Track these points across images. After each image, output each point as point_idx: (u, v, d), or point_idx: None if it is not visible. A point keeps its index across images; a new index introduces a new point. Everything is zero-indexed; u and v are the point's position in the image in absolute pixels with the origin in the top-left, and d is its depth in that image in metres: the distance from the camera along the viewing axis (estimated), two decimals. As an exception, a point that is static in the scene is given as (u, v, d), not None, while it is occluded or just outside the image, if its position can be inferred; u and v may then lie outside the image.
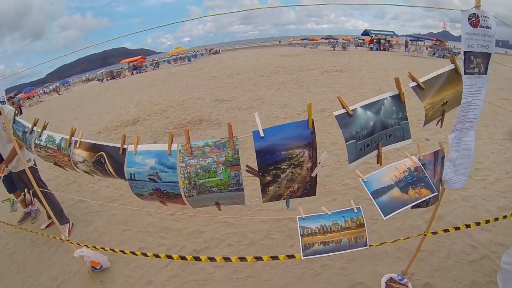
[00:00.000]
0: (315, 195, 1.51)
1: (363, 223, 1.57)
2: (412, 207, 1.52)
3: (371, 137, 1.41)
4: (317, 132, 1.36)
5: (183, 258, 1.89)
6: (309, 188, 1.48)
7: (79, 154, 1.67)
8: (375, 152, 1.48)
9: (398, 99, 1.43)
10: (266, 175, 1.40)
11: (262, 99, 7.63)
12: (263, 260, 1.76)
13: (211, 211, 3.02)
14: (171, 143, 1.46)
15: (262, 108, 6.86)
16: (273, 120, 5.93)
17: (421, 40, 36.32)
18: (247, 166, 1.37)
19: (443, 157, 1.70)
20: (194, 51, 44.36)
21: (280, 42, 57.91)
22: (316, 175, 1.42)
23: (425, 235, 2.06)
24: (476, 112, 1.62)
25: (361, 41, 38.24)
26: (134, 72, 29.82)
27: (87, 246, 2.31)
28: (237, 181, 1.42)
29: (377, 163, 1.51)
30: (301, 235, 1.57)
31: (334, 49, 32.58)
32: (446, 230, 2.10)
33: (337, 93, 7.69)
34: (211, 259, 1.81)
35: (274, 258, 1.80)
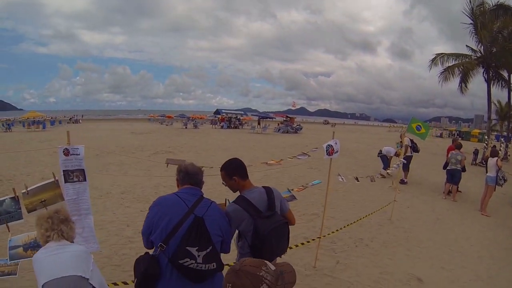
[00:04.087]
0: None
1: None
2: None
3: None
4: None
5: None
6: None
7: None
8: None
9: (14, 198, 2.30)
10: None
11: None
12: None
13: None
14: None
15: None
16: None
17: (271, 118, 40.20)
18: None
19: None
20: (51, 118, 39.50)
21: (150, 118, 57.35)
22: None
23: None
24: (87, 204, 2.51)
25: (217, 119, 39.06)
26: None
27: None
28: None
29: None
30: None
31: (186, 127, 31.90)
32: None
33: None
34: None
35: None
